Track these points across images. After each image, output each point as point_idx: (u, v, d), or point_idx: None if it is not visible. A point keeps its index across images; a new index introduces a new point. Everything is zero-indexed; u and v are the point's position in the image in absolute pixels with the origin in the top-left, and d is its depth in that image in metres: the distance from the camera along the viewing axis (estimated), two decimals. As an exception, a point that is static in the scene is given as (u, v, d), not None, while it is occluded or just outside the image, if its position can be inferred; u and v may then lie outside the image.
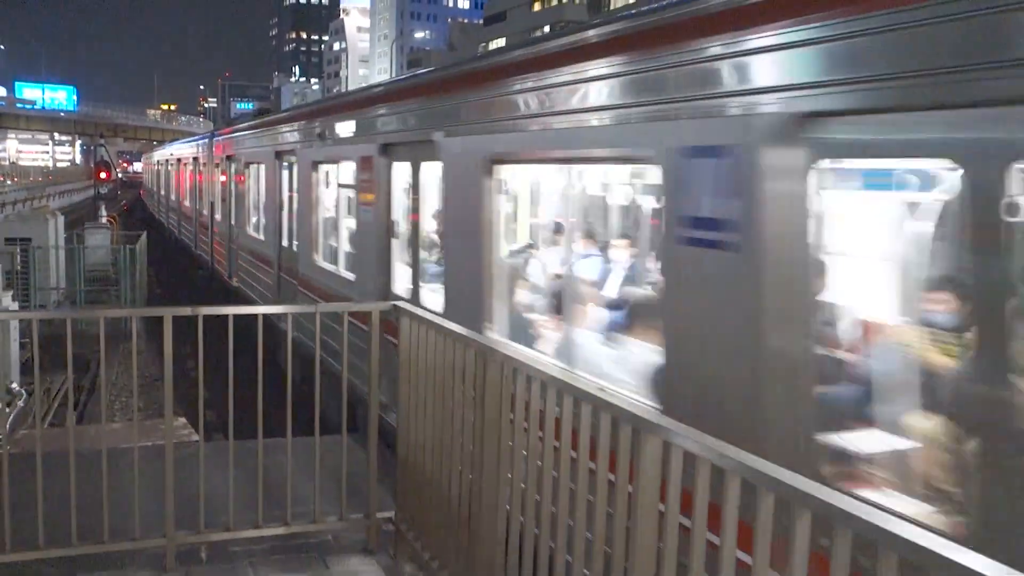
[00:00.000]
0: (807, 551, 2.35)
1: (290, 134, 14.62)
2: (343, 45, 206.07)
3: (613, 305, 6.68)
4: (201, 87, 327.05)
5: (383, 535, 5.73)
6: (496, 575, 4.15)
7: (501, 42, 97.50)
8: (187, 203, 31.30)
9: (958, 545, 1.98)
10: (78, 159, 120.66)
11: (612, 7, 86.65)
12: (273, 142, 15.79)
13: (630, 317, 6.44)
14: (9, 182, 62.70)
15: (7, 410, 10.64)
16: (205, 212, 25.16)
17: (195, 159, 28.59)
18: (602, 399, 3.34)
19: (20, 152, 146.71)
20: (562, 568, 3.59)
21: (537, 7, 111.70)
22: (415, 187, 9.09)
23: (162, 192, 44.61)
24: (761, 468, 2.54)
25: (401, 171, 9.51)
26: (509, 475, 4.05)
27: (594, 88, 5.76)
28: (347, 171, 11.17)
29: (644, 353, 5.70)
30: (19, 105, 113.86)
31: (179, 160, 35.09)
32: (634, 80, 5.37)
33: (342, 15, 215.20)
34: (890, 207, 4.61)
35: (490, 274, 7.19)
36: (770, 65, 4.27)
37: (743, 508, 2.60)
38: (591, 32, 6.04)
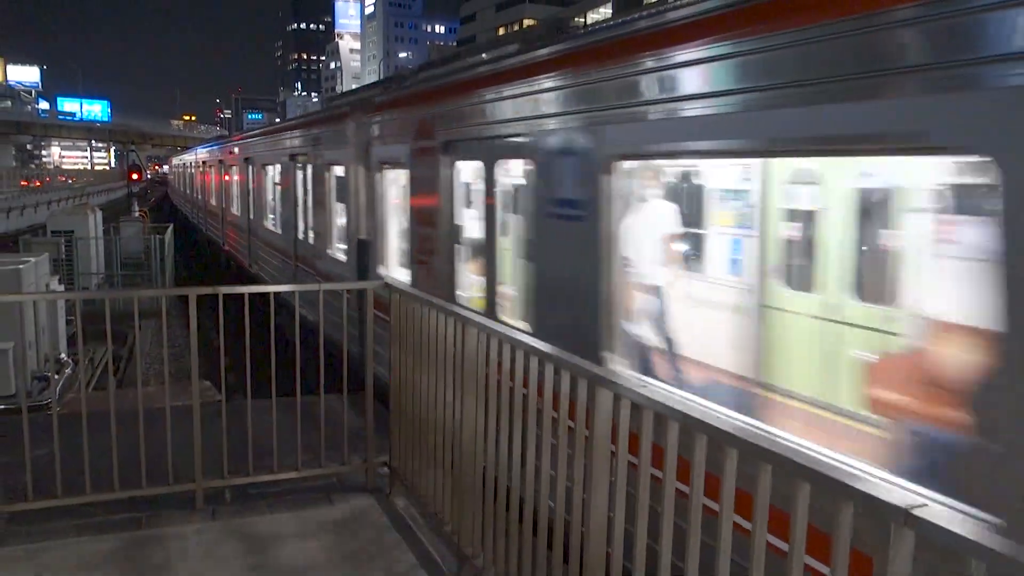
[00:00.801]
0: (734, 484, 2.36)
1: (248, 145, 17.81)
2: (338, 64, 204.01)
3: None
4: (217, 100, 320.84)
5: (379, 476, 5.71)
6: (475, 505, 4.15)
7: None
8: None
9: (864, 474, 1.98)
10: (113, 163, 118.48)
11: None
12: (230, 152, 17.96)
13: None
14: (70, 180, 68.13)
15: (57, 377, 10.47)
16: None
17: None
18: (562, 359, 3.32)
19: (63, 157, 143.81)
20: (531, 499, 3.59)
21: (502, 31, 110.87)
22: (304, 180, 13.00)
23: (197, 197, 30.18)
24: (695, 415, 2.53)
25: (301, 170, 13.33)
26: (484, 422, 4.04)
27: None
28: (278, 170, 15.26)
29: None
30: (60, 117, 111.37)
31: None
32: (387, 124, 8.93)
33: (337, 39, 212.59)
34: (472, 184, 7.64)
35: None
36: (437, 119, 7.59)
37: (681, 448, 2.60)
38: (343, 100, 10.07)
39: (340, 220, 11.13)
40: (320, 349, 5.57)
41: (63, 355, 11.89)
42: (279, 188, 15.31)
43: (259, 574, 4.49)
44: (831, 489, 1.97)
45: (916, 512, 1.75)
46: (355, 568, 4.57)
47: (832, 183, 5.48)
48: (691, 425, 2.51)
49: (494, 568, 3.97)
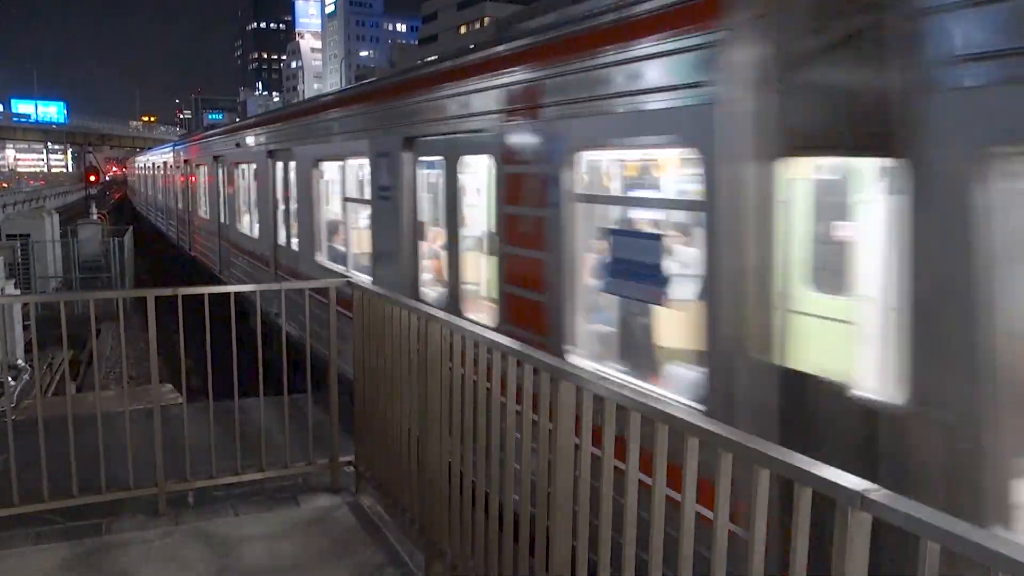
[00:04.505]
0: (696, 473, 2.37)
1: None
2: (299, 63, 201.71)
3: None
4: (176, 100, 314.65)
5: (345, 476, 5.65)
6: (441, 503, 4.12)
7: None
8: None
9: (818, 463, 2.00)
10: (70, 165, 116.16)
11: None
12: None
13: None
14: (3, 185, 65.63)
15: (13, 383, 10.23)
16: None
17: None
18: (524, 352, 3.31)
19: (18, 160, 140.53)
20: (496, 493, 3.57)
21: (463, 30, 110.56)
22: (180, 174, 18.80)
23: (140, 189, 46.48)
24: (656, 406, 2.54)
25: (180, 169, 19.05)
26: (449, 418, 4.01)
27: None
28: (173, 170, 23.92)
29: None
30: (15, 119, 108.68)
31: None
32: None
33: (298, 38, 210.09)
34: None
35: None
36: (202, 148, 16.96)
37: (644, 438, 2.60)
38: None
39: (192, 195, 22.45)
40: (283, 348, 5.50)
41: (19, 360, 11.63)
42: (176, 180, 26.62)
43: (224, 577, 4.42)
44: (789, 475, 1.99)
45: (871, 496, 1.78)
46: (323, 568, 4.52)
47: None
48: (652, 415, 2.51)
49: (462, 563, 3.95)
